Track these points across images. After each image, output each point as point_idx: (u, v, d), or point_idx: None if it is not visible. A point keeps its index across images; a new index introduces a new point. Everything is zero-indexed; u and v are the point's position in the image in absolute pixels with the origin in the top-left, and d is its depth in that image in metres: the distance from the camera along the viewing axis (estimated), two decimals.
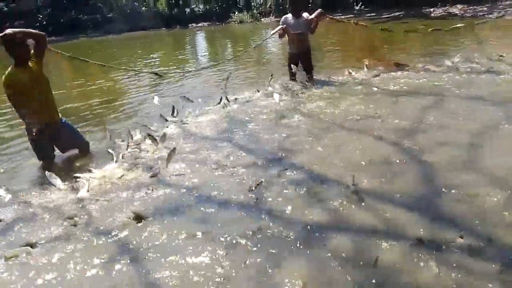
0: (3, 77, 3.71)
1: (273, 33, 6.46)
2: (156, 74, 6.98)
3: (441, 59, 7.25)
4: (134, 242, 2.58)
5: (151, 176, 3.53)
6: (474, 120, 4.11)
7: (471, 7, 14.91)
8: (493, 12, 13.42)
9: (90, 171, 3.76)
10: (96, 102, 7.13)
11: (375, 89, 5.79)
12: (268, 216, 2.75)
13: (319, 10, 6.40)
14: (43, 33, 3.89)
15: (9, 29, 3.69)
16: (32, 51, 3.84)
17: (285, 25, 6.28)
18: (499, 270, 2.04)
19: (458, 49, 8.19)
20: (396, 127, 4.15)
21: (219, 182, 3.31)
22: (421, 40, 10.07)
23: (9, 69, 3.74)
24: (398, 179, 3.07)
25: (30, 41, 3.82)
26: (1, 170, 4.24)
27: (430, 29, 8.50)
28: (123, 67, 8.05)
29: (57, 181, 3.52)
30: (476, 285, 1.97)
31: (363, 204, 2.78)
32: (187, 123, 5.05)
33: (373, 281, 2.05)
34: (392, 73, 6.64)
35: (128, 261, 2.40)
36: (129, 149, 4.26)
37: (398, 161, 3.39)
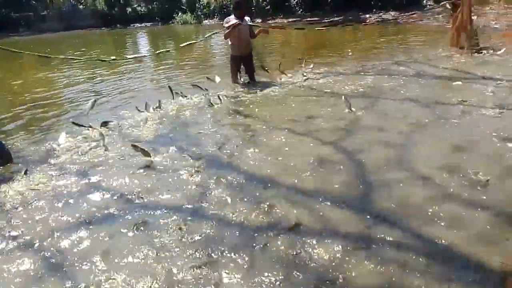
0: None
1: (230, 26, 6.29)
2: (102, 60, 6.59)
3: (374, 62, 7.62)
4: None
5: None
6: (404, 120, 4.37)
7: (403, 14, 15.85)
8: (422, 19, 14.34)
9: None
10: (24, 103, 6.72)
11: (312, 90, 5.97)
12: (208, 219, 2.74)
13: (266, 28, 6.80)
14: None
15: None
16: None
17: (238, 21, 6.23)
18: (425, 263, 2.18)
19: (390, 53, 8.64)
20: (333, 128, 4.31)
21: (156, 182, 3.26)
22: (358, 45, 10.53)
23: None
24: (334, 178, 3.19)
25: None
26: None
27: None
28: (63, 57, 7.50)
29: None
30: (405, 278, 2.08)
31: (299, 203, 2.86)
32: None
33: (309, 277, 2.11)
34: (330, 75, 6.89)
35: None
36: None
37: (333, 160, 3.53)
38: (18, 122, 5.69)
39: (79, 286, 2.17)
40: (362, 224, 2.55)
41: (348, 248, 2.34)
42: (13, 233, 2.74)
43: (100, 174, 3.57)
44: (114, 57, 7.74)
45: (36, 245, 2.59)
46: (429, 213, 2.61)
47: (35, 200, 3.18)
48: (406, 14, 15.90)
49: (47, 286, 2.22)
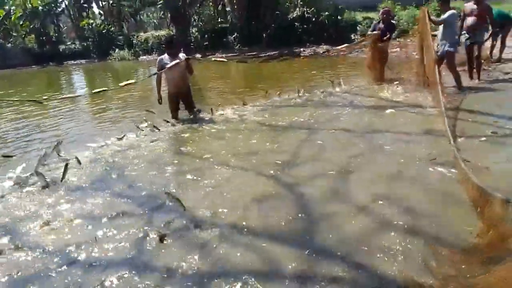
0: None
1: (176, 63, 6.14)
2: (35, 101, 6.13)
3: (309, 94, 7.91)
4: None
5: None
6: (342, 151, 4.52)
7: (334, 47, 16.76)
8: (352, 51, 15.27)
9: None
10: None
11: (252, 124, 6.03)
12: (144, 266, 2.59)
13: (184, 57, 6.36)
14: None
15: None
16: None
17: (185, 58, 6.19)
18: None
19: (323, 85, 9.01)
20: (274, 162, 4.34)
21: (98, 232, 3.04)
22: (294, 77, 10.92)
23: None
24: (276, 214, 3.18)
25: None
26: None
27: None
28: None
29: None
30: None
31: (241, 242, 2.79)
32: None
33: None
34: (268, 109, 7.04)
35: None
36: None
37: (275, 195, 3.53)
38: None
39: None
40: (304, 261, 2.54)
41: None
42: None
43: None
44: (45, 97, 7.35)
45: None
46: (368, 245, 2.66)
47: None
48: (337, 47, 16.79)
49: None
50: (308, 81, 10.04)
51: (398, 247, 2.60)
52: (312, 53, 16.29)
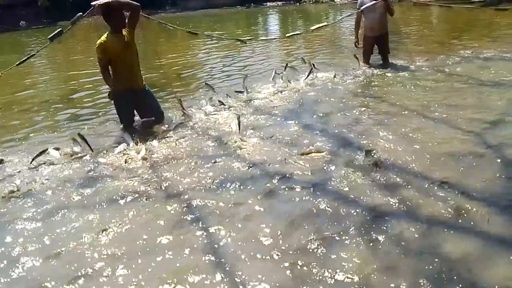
0: (98, 42, 4.05)
1: (369, 5, 6.06)
2: (239, 40, 6.88)
3: None
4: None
5: None
6: None
7: None
8: None
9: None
10: (174, 71, 7.50)
11: (454, 76, 5.42)
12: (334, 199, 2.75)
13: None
14: (138, 4, 4.07)
15: None
16: (126, 20, 4.11)
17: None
18: None
19: None
20: (475, 118, 3.87)
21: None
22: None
23: (105, 34, 4.07)
24: (475, 172, 2.89)
25: (126, 11, 4.11)
26: (86, 128, 4.58)
27: None
28: (207, 33, 8.12)
29: (130, 142, 3.89)
30: None
31: (437, 195, 2.66)
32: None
33: (442, 273, 1.98)
34: (475, 61, 6.18)
35: None
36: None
37: (476, 153, 3.19)
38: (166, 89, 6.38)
39: None
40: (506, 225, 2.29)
41: (487, 249, 2.13)
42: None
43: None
44: (249, 38, 8.15)
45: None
46: None
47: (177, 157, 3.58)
48: None
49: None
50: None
51: None
52: None
